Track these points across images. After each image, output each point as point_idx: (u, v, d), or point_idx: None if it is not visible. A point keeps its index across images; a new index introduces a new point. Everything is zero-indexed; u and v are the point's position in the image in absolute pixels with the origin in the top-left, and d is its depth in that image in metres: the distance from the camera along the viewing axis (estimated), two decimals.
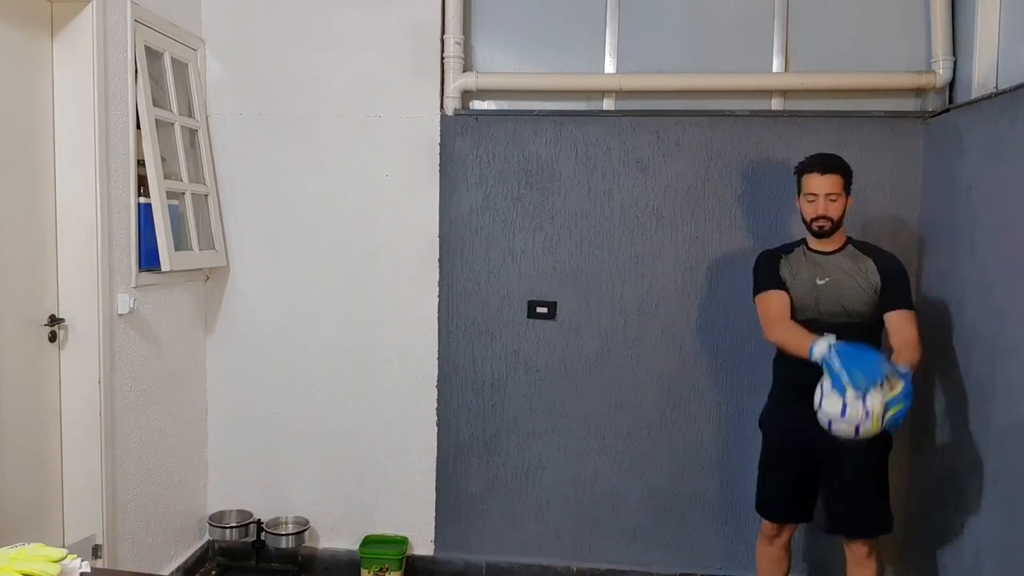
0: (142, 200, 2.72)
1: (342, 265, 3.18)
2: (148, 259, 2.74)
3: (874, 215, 2.93)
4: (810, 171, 2.43)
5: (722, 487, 3.08)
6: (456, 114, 3.09)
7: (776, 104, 3.05)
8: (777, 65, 3.04)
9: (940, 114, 2.81)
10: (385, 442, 3.22)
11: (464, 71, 3.10)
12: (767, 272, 2.53)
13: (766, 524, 2.67)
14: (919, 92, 2.99)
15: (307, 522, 3.24)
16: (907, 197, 2.92)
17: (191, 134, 3.09)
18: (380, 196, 3.13)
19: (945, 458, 2.67)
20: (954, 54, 2.87)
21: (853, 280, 2.42)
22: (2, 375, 2.32)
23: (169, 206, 2.81)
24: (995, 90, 2.55)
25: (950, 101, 2.90)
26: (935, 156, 2.83)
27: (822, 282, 2.44)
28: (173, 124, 2.92)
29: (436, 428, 3.19)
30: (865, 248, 2.49)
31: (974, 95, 2.67)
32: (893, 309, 2.41)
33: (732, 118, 2.97)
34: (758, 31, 3.04)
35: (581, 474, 3.13)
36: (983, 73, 2.67)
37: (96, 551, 2.57)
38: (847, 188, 2.43)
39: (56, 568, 1.28)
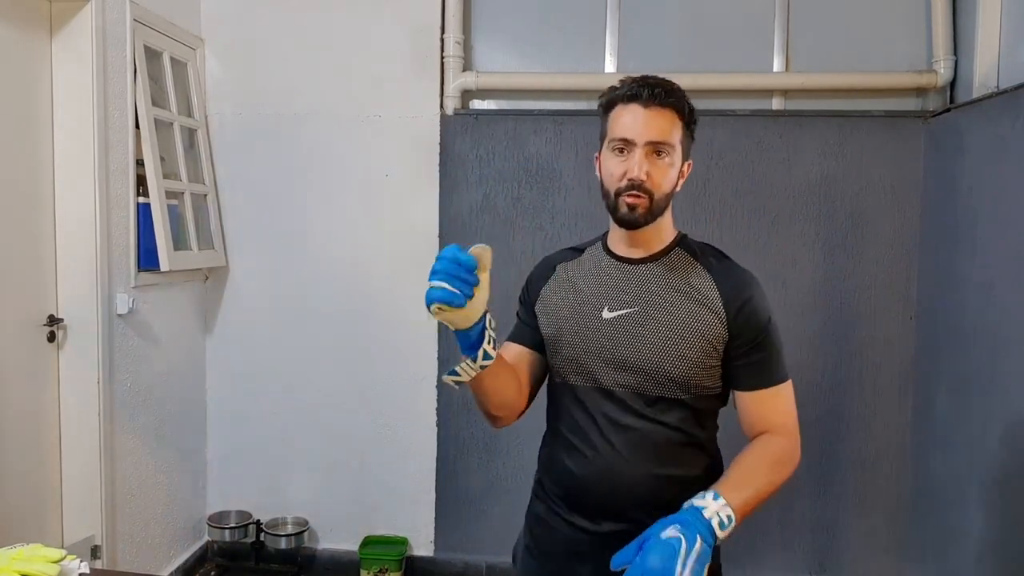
0: (141, 200, 2.72)
1: (342, 265, 3.17)
2: (147, 259, 2.74)
3: (874, 215, 2.93)
4: (626, 100, 1.32)
5: None
6: (456, 114, 3.08)
7: (776, 104, 3.05)
8: (777, 65, 3.04)
9: (941, 114, 2.81)
10: (385, 442, 3.22)
11: (464, 71, 3.09)
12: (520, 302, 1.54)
13: None
14: (920, 92, 2.98)
15: (307, 522, 3.23)
16: (907, 197, 2.91)
17: (190, 134, 3.08)
18: (380, 196, 3.13)
19: (946, 457, 2.67)
20: (955, 53, 2.87)
21: (675, 314, 1.33)
22: (1, 375, 2.32)
23: (168, 206, 2.81)
24: (996, 90, 2.55)
25: (951, 101, 2.90)
26: (935, 156, 2.82)
27: (613, 315, 1.36)
28: (172, 124, 2.91)
29: (436, 428, 3.18)
30: (704, 255, 1.41)
31: (975, 95, 2.66)
32: (752, 386, 1.34)
33: (733, 117, 2.97)
34: (758, 31, 3.04)
35: None
36: (984, 72, 2.67)
37: (95, 552, 2.56)
38: (687, 142, 1.36)
39: (55, 569, 1.27)
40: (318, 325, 3.20)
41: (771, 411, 1.35)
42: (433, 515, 3.21)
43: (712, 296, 1.34)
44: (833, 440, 3.00)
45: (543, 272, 1.53)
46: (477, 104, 3.19)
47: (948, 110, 2.77)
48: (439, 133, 3.08)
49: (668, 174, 1.33)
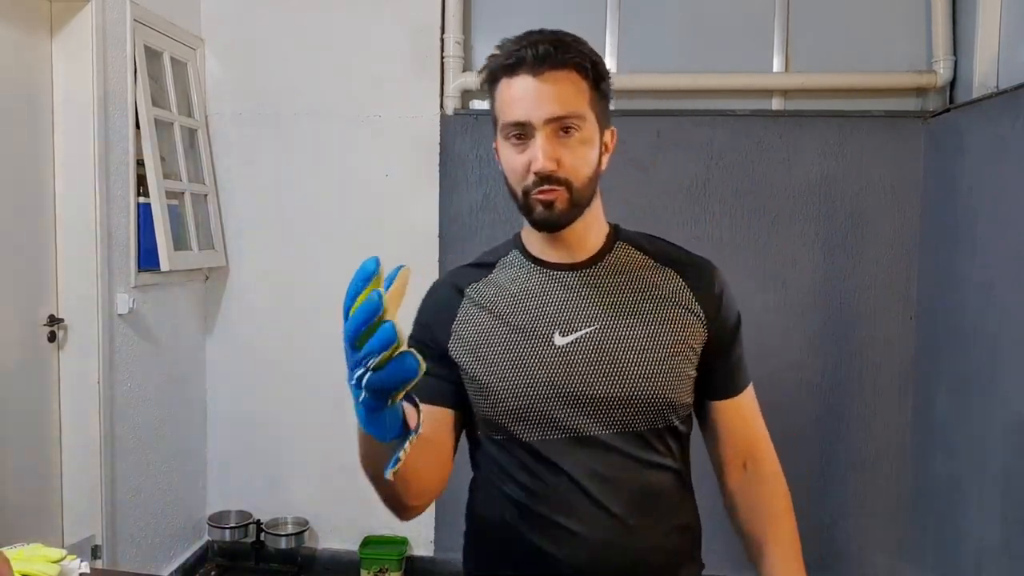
0: (141, 200, 2.72)
1: (341, 264, 3.14)
2: (147, 259, 2.74)
3: (874, 215, 2.92)
4: (510, 71, 1.06)
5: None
6: (456, 114, 3.08)
7: (776, 104, 3.05)
8: (777, 65, 3.04)
9: (940, 114, 2.81)
10: None
11: (464, 71, 3.09)
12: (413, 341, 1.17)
13: None
14: (919, 92, 2.98)
15: (307, 522, 3.23)
16: (907, 197, 2.91)
17: (190, 134, 3.08)
18: (380, 196, 3.13)
19: (946, 458, 2.67)
20: (955, 53, 2.87)
21: (645, 322, 1.08)
22: (1, 375, 2.32)
23: (168, 206, 2.81)
24: (996, 90, 2.55)
25: (951, 101, 2.90)
26: (935, 156, 2.82)
27: (569, 339, 1.07)
28: (172, 124, 2.91)
29: None
30: (655, 247, 1.16)
31: (975, 95, 2.66)
32: (730, 392, 1.17)
33: (733, 118, 2.97)
34: (758, 31, 3.04)
35: None
36: (984, 72, 2.67)
37: (95, 551, 2.56)
38: (599, 105, 1.07)
39: (55, 569, 1.27)
40: (318, 325, 3.20)
41: (751, 426, 1.17)
42: (433, 515, 3.20)
43: (682, 292, 1.10)
44: (833, 440, 3.00)
45: (447, 301, 1.15)
46: (477, 104, 3.19)
47: (948, 110, 2.77)
48: (439, 133, 3.08)
49: (584, 154, 1.03)
